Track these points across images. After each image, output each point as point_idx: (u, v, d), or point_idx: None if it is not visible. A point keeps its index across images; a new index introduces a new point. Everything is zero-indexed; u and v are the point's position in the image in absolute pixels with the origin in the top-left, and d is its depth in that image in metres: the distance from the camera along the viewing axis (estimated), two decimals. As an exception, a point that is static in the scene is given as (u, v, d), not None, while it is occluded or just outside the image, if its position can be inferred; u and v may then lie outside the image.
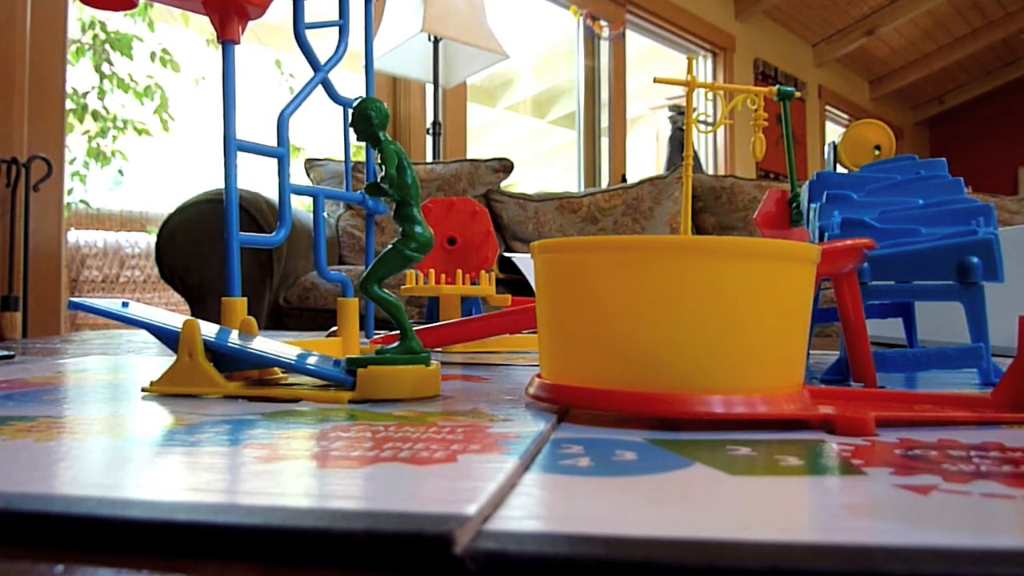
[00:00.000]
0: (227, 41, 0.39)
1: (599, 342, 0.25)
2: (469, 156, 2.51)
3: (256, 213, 1.32)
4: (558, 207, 2.03)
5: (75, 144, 2.19)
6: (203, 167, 2.33)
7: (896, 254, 0.37)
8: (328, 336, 0.48)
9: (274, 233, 0.43)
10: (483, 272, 0.63)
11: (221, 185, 0.39)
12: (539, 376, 0.28)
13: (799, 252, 0.25)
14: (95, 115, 2.26)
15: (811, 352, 0.56)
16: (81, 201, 2.18)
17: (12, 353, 0.50)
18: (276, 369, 0.35)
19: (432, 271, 0.61)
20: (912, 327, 0.45)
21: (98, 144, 2.28)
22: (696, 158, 2.89)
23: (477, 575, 0.12)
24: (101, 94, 2.25)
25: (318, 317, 1.38)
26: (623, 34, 3.21)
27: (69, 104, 1.81)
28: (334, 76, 0.46)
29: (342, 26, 0.47)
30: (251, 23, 0.41)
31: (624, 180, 2.93)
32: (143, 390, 0.31)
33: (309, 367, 0.32)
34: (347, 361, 0.31)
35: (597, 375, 0.25)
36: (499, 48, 2.08)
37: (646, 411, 0.24)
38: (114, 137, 2.30)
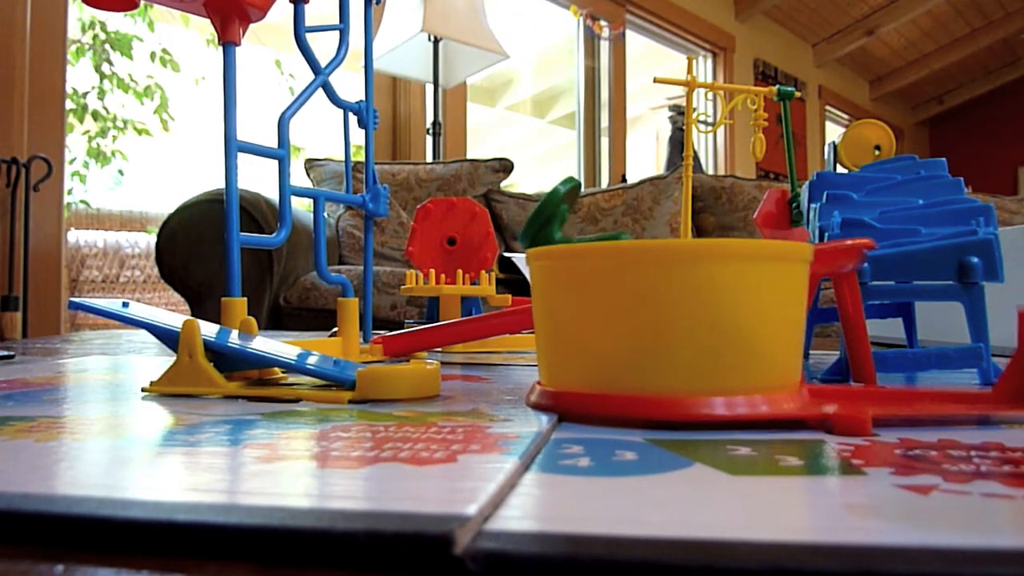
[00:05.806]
0: (228, 43, 0.39)
1: (596, 347, 0.25)
2: (469, 156, 2.51)
3: (256, 214, 1.32)
4: (558, 207, 2.03)
5: (75, 144, 2.19)
6: (203, 167, 2.33)
7: (896, 254, 0.37)
8: (330, 337, 0.48)
9: (275, 234, 0.43)
10: (483, 272, 0.63)
11: (221, 185, 0.39)
12: (539, 384, 0.28)
13: (791, 251, 0.25)
14: (95, 115, 2.26)
15: (811, 352, 0.56)
16: (81, 201, 2.18)
17: (12, 353, 0.50)
18: (276, 369, 0.35)
19: (432, 271, 0.61)
20: (912, 327, 0.45)
21: (98, 144, 2.27)
22: (696, 158, 2.88)
23: (477, 575, 0.12)
24: (101, 94, 2.25)
25: (318, 317, 1.38)
26: (623, 34, 3.21)
27: (69, 104, 1.81)
28: (334, 77, 0.46)
29: (342, 30, 0.47)
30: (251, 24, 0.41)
31: (624, 180, 2.93)
32: (143, 390, 0.31)
33: (309, 367, 0.32)
34: None
35: (595, 380, 0.25)
36: (499, 48, 2.08)
37: (646, 415, 0.24)
38: (114, 137, 2.30)
